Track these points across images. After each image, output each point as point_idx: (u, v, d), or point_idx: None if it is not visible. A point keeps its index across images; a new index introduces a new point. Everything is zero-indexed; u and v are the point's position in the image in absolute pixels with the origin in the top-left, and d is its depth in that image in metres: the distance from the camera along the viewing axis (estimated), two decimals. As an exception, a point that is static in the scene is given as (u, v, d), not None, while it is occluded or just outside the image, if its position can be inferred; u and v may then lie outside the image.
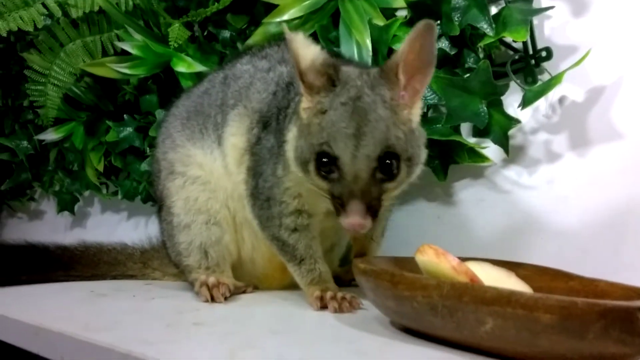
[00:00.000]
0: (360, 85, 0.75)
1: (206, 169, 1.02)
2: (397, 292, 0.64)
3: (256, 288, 1.08)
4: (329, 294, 0.86)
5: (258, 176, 0.92)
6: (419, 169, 0.80)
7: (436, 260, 0.63)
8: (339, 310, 0.83)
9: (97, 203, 1.99)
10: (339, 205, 0.74)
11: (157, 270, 1.20)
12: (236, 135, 0.98)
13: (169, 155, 1.06)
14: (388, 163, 0.74)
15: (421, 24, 0.72)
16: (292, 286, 0.99)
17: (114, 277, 1.18)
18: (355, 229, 0.73)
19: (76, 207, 1.94)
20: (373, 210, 0.73)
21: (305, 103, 0.78)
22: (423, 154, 0.81)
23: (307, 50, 0.75)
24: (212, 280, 0.97)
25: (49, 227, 2.16)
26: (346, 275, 1.14)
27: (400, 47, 0.74)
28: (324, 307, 0.86)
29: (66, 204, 1.92)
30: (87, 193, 1.92)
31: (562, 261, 1.03)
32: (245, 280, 1.06)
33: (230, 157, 0.99)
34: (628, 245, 0.98)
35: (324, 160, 0.75)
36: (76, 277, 1.14)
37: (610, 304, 0.52)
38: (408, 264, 0.83)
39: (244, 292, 1.05)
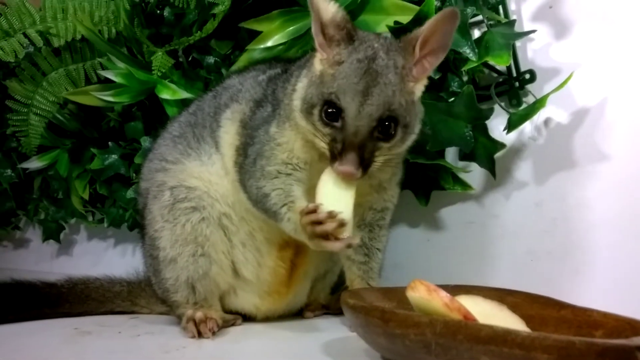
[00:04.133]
0: (377, 47, 0.82)
1: (204, 177, 1.01)
2: (389, 330, 0.63)
3: (249, 318, 1.06)
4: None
5: (248, 147, 0.94)
6: (412, 139, 0.86)
7: (428, 296, 0.62)
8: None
9: (83, 231, 1.96)
10: (337, 152, 0.79)
11: (144, 308, 1.17)
12: (230, 132, 0.99)
13: (159, 177, 1.04)
14: (387, 125, 0.80)
15: (447, 11, 0.78)
16: (294, 305, 1.03)
17: (102, 314, 1.15)
18: (346, 177, 0.79)
19: (62, 235, 1.91)
20: (365, 164, 0.79)
21: (322, 55, 0.84)
22: (418, 125, 0.87)
23: (328, 5, 0.81)
24: (199, 315, 0.95)
25: (35, 256, 2.12)
26: (336, 304, 1.11)
27: (424, 25, 0.80)
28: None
29: (52, 233, 1.89)
30: (72, 221, 1.89)
31: (554, 283, 1.04)
32: (249, 300, 1.05)
33: (228, 157, 0.99)
34: (620, 266, 0.98)
35: (330, 110, 0.81)
36: (63, 315, 1.11)
37: (608, 344, 0.51)
38: (397, 294, 0.82)
39: (233, 324, 1.03)
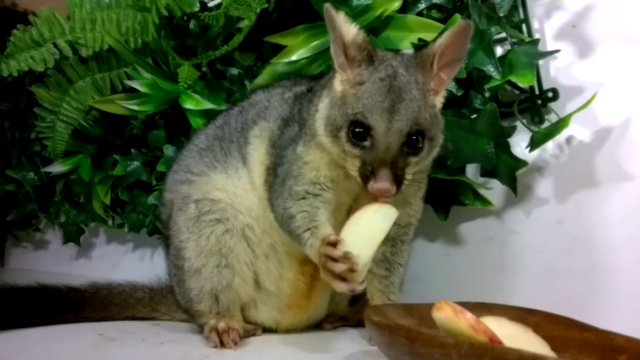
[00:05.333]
0: (396, 65, 0.83)
1: (229, 190, 1.02)
2: (414, 349, 0.63)
3: (270, 329, 1.07)
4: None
5: (277, 167, 0.95)
6: (436, 150, 0.88)
7: (454, 317, 0.63)
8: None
9: (102, 234, 1.99)
10: (368, 172, 0.80)
11: (165, 315, 1.19)
12: (259, 151, 1.01)
13: (183, 189, 1.06)
14: (415, 139, 0.81)
15: (462, 23, 0.81)
16: (314, 318, 1.04)
17: (123, 319, 1.17)
18: (382, 194, 0.79)
19: (82, 238, 1.94)
20: (398, 179, 0.80)
21: (342, 76, 0.86)
22: (441, 137, 0.88)
23: (350, 27, 0.83)
24: (222, 325, 0.96)
25: (54, 257, 2.16)
26: (355, 316, 1.13)
27: (439, 40, 0.82)
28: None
29: (72, 235, 1.92)
30: (92, 225, 1.92)
31: (575, 302, 1.04)
32: (270, 313, 1.06)
33: (256, 173, 1.01)
34: (640, 287, 0.98)
35: (357, 129, 0.81)
36: (86, 319, 1.13)
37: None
38: (419, 311, 0.83)
39: (253, 334, 1.05)
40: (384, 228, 0.82)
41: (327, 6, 0.82)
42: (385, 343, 0.70)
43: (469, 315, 0.63)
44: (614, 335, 0.70)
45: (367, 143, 0.81)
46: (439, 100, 0.87)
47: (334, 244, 0.80)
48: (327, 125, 0.87)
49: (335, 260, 0.79)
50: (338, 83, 0.87)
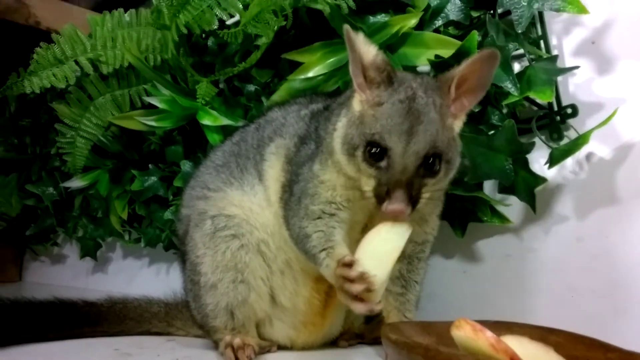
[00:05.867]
0: (416, 87, 0.83)
1: (245, 206, 1.02)
2: (432, 368, 0.62)
3: (285, 347, 1.07)
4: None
5: (293, 185, 0.95)
6: (453, 173, 0.88)
7: (474, 336, 0.62)
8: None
9: (119, 249, 2.00)
10: (383, 192, 0.79)
11: (180, 330, 1.19)
12: (275, 168, 1.01)
13: (200, 205, 1.06)
14: (431, 162, 0.81)
15: (486, 52, 0.81)
16: (330, 336, 1.03)
17: (139, 334, 1.17)
18: (397, 215, 0.79)
19: (98, 253, 1.96)
20: (413, 201, 0.80)
21: (361, 96, 0.86)
22: (458, 159, 0.88)
23: (369, 48, 0.83)
24: (237, 341, 0.96)
25: (71, 271, 2.18)
26: (370, 334, 1.12)
27: (462, 65, 0.82)
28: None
29: (89, 250, 1.94)
30: (109, 239, 1.94)
31: (596, 321, 1.02)
32: (285, 331, 1.05)
33: (272, 190, 1.01)
34: (664, 308, 0.96)
35: (374, 150, 0.81)
36: (102, 333, 1.14)
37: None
38: (436, 329, 0.82)
39: (268, 351, 1.04)
40: (398, 245, 0.82)
41: (347, 27, 0.82)
42: (403, 361, 0.69)
43: (489, 334, 0.62)
44: (638, 355, 0.68)
45: (383, 164, 0.81)
46: (457, 124, 0.87)
47: (349, 265, 0.80)
48: (344, 144, 0.86)
49: (352, 281, 0.79)
50: (357, 103, 0.87)
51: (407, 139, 0.79)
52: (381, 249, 0.81)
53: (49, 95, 1.89)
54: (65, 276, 2.20)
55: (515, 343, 0.65)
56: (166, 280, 1.79)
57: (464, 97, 0.85)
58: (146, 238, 1.70)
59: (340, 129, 0.89)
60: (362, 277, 0.78)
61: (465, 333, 0.63)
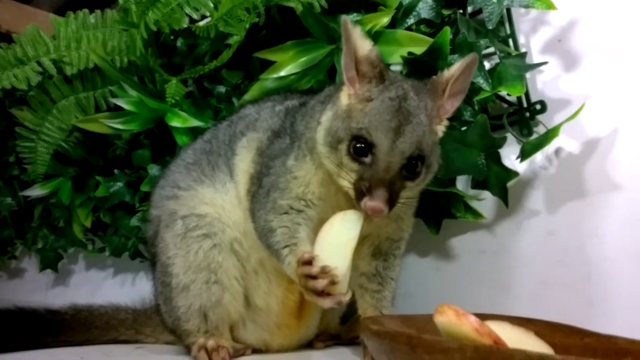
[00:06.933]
0: (407, 87, 0.83)
1: (217, 203, 1.00)
2: (416, 356, 0.61)
3: (260, 350, 1.04)
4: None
5: (263, 177, 0.94)
6: (430, 177, 0.88)
7: (457, 321, 0.61)
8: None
9: (81, 260, 1.93)
10: (364, 188, 0.78)
11: (150, 337, 1.15)
12: (245, 160, 0.99)
13: (170, 205, 1.03)
14: (414, 163, 0.81)
15: (471, 57, 0.82)
16: (305, 339, 1.01)
17: (105, 342, 1.12)
18: (375, 213, 0.77)
19: (59, 265, 1.88)
20: (392, 200, 0.78)
21: (350, 90, 0.85)
22: (437, 164, 0.88)
23: (365, 43, 0.82)
24: (211, 343, 0.93)
25: (29, 286, 2.08)
26: (347, 334, 1.11)
27: (452, 69, 0.83)
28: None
29: (49, 262, 1.86)
30: (71, 250, 1.86)
31: (568, 314, 1.02)
32: (259, 334, 1.03)
33: (242, 185, 0.99)
34: (635, 298, 0.97)
35: (359, 145, 0.80)
36: (66, 343, 1.08)
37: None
38: (416, 322, 0.81)
39: (243, 354, 1.01)
40: (354, 234, 0.81)
41: (345, 19, 0.82)
42: (385, 352, 0.67)
43: (472, 318, 0.62)
44: (615, 338, 0.69)
45: (367, 159, 0.80)
46: (441, 129, 0.87)
47: (309, 262, 0.79)
48: (327, 137, 0.85)
49: (314, 277, 0.77)
50: (345, 96, 0.86)
51: (394, 137, 0.78)
52: (338, 240, 0.81)
53: (7, 101, 1.82)
54: (23, 291, 2.09)
55: (496, 328, 0.64)
56: (131, 291, 1.73)
57: (448, 101, 0.85)
58: (111, 247, 1.64)
59: (324, 122, 0.87)
60: (324, 272, 0.77)
61: (449, 318, 0.62)
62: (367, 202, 0.77)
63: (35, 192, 1.69)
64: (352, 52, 0.82)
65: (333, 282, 0.77)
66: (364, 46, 0.82)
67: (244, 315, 1.02)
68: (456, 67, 0.83)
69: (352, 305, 1.06)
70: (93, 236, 1.73)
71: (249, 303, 1.01)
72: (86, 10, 1.46)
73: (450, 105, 0.86)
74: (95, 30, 1.44)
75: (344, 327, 1.12)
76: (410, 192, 0.85)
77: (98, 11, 1.47)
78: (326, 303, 0.79)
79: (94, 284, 1.86)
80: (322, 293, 0.78)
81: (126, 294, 1.72)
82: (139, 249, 1.57)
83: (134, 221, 1.53)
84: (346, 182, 0.82)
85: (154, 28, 1.20)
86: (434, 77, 0.86)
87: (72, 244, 1.77)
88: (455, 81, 0.83)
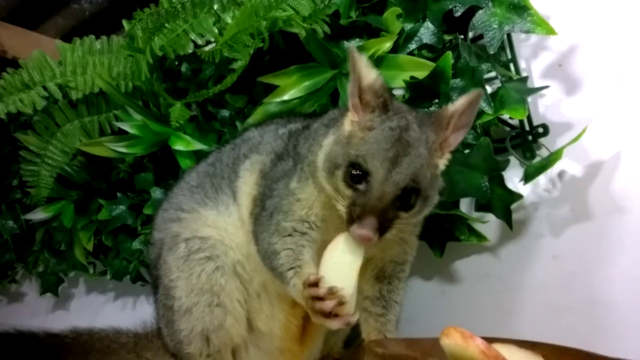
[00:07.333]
0: (410, 119, 0.82)
1: (220, 226, 1.00)
2: (422, 380, 0.60)
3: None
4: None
5: (266, 199, 0.93)
6: (428, 210, 0.86)
7: (463, 343, 0.61)
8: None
9: (82, 284, 1.92)
10: (355, 214, 0.77)
11: (150, 361, 1.14)
12: (248, 183, 0.99)
13: (173, 228, 1.03)
14: (409, 195, 0.80)
15: (476, 92, 0.82)
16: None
17: (106, 366, 1.11)
18: (362, 240, 0.77)
19: (60, 288, 1.86)
20: (383, 229, 0.78)
21: (354, 117, 0.84)
22: (436, 198, 0.86)
23: (370, 72, 0.82)
24: (213, 367, 0.92)
25: (29, 310, 2.06)
26: (351, 358, 1.09)
27: (456, 103, 0.82)
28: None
29: (50, 286, 1.85)
30: (72, 274, 1.85)
31: (573, 338, 1.01)
32: (261, 359, 1.01)
33: (245, 207, 0.98)
34: (641, 321, 0.97)
35: (355, 172, 0.79)
36: (66, 367, 1.07)
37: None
38: (421, 346, 0.80)
39: (245, 379, 1.00)
40: (359, 253, 0.81)
41: (351, 47, 0.83)
42: (391, 376, 0.66)
43: (479, 340, 0.61)
44: (625, 363, 0.68)
45: (361, 187, 0.79)
46: (442, 163, 0.86)
47: (315, 284, 0.78)
48: (325, 161, 0.85)
49: (321, 299, 0.77)
50: (348, 123, 0.85)
51: (390, 167, 0.77)
52: (343, 260, 0.80)
53: (12, 126, 1.84)
54: (23, 315, 2.07)
55: (504, 350, 0.63)
56: (132, 315, 1.71)
57: (452, 135, 0.84)
58: (112, 270, 1.63)
59: (326, 146, 0.87)
60: (331, 292, 0.76)
61: (455, 341, 0.62)
62: (356, 230, 0.77)
63: (38, 215, 1.69)
64: (356, 81, 0.82)
65: (341, 303, 0.76)
66: (369, 75, 0.82)
67: (246, 339, 1.01)
68: (461, 101, 0.82)
69: (355, 329, 1.05)
70: (94, 259, 1.73)
71: (252, 327, 1.01)
72: (92, 37, 1.49)
73: (454, 139, 0.84)
74: (101, 55, 1.45)
75: (347, 351, 1.11)
76: (404, 223, 0.83)
77: (104, 37, 1.49)
78: (334, 324, 0.78)
79: (94, 308, 1.85)
80: (329, 314, 0.77)
81: (127, 317, 1.71)
82: (141, 273, 1.56)
83: (136, 244, 1.53)
84: (341, 206, 0.82)
85: (160, 53, 1.22)
86: (438, 110, 0.86)
87: (74, 267, 1.77)
88: (460, 115, 0.82)
